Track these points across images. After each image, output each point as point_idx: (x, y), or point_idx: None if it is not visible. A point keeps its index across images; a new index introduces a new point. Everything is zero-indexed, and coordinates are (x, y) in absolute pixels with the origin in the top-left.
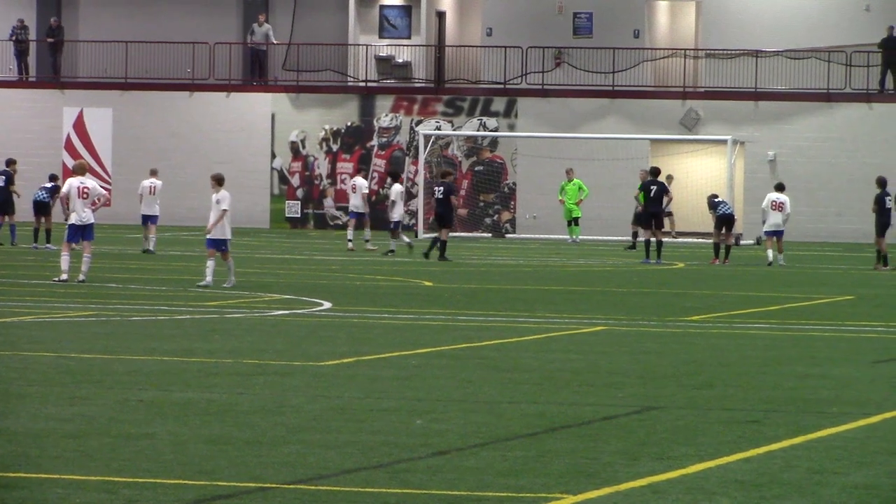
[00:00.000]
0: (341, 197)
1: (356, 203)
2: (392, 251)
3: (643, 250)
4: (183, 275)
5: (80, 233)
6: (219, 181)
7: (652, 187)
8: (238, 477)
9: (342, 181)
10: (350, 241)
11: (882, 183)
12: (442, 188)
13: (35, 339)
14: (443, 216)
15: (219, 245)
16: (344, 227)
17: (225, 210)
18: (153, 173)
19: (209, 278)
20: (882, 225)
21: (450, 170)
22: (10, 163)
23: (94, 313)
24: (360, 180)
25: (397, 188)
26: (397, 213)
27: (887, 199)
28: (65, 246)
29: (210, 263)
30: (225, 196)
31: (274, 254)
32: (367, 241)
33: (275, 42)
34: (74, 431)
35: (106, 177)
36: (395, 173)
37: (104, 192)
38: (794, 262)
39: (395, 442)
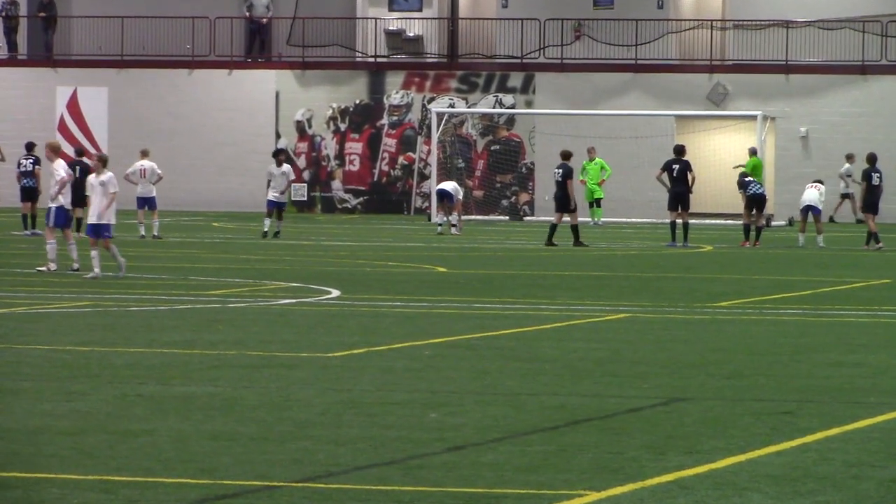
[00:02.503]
0: (350, 178)
1: (447, 185)
2: (278, 233)
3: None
4: (183, 262)
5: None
6: (104, 162)
7: (675, 166)
8: (243, 475)
9: (350, 162)
10: (453, 225)
11: (871, 159)
12: (560, 171)
13: (28, 331)
14: (559, 200)
15: (100, 231)
16: (353, 210)
17: (114, 193)
18: (144, 154)
19: (97, 269)
20: (869, 203)
21: (570, 151)
22: None
23: (90, 303)
24: (455, 184)
25: (285, 168)
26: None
27: (874, 175)
28: (68, 234)
29: (94, 253)
30: (112, 178)
31: (279, 239)
32: (453, 225)
33: (269, 16)
34: (71, 428)
35: None
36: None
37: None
38: (828, 243)
39: (408, 437)
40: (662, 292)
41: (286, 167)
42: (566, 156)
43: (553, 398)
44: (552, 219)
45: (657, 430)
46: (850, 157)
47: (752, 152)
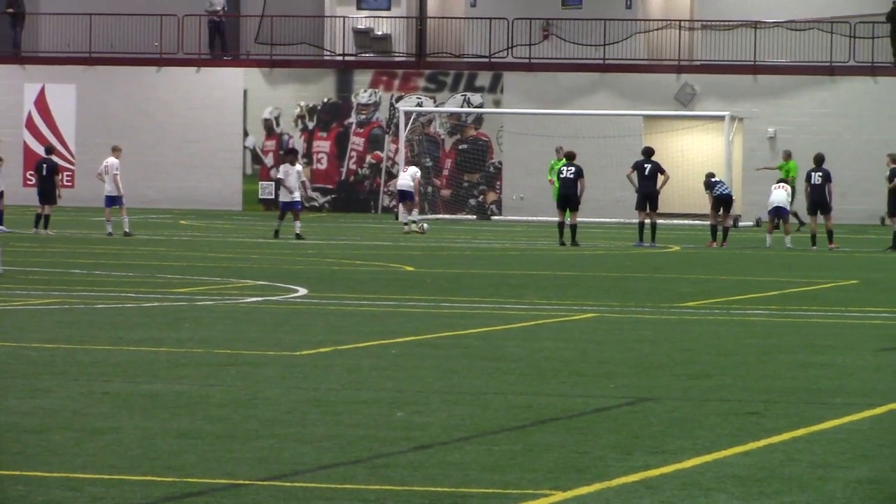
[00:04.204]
0: (318, 177)
1: (405, 182)
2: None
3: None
4: (151, 260)
5: None
6: None
7: (646, 166)
8: (209, 473)
9: (318, 160)
10: (414, 222)
11: (817, 160)
12: (573, 169)
13: None
14: (573, 199)
15: None
16: (320, 209)
17: None
18: (113, 151)
19: None
20: (812, 204)
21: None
22: None
23: (56, 301)
24: (412, 168)
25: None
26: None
27: (814, 175)
28: None
29: None
30: None
31: (247, 237)
32: (414, 222)
33: (223, 11)
34: (36, 426)
35: (69, 156)
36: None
37: None
38: (795, 244)
39: (374, 436)
40: (630, 292)
41: (299, 167)
42: (573, 156)
43: (519, 397)
44: (518, 217)
45: (623, 429)
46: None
47: (788, 155)
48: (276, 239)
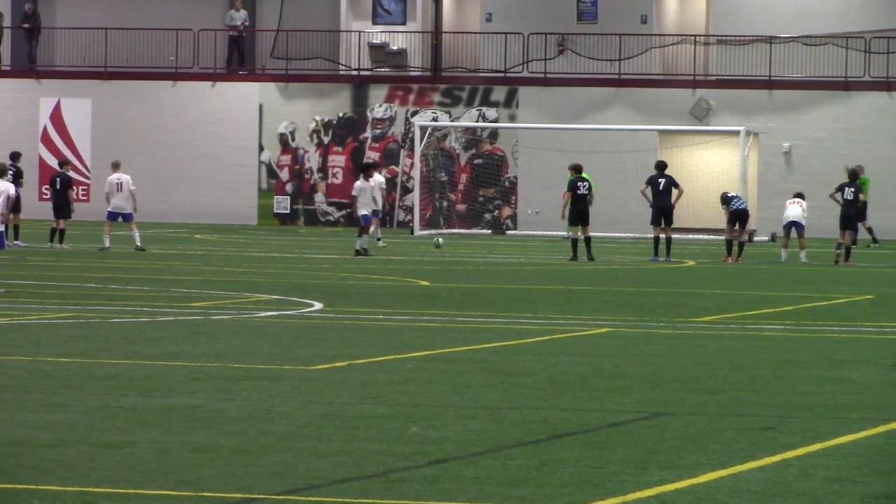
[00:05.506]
0: (333, 192)
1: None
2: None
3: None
4: (166, 274)
5: None
6: None
7: (660, 181)
8: (224, 487)
9: (334, 175)
10: (378, 239)
11: (851, 175)
12: (586, 184)
13: (10, 341)
14: (585, 214)
15: None
16: (335, 223)
17: None
18: (116, 167)
19: None
20: (843, 218)
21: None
22: None
23: (72, 315)
24: (377, 177)
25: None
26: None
27: (847, 189)
28: None
29: None
30: None
31: (262, 252)
32: (378, 239)
33: (243, 27)
34: (52, 440)
35: (85, 171)
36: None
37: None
38: (811, 259)
39: (389, 450)
40: (645, 307)
41: (376, 179)
42: (581, 169)
43: (534, 412)
44: (534, 232)
45: (638, 444)
46: None
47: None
48: (366, 256)
